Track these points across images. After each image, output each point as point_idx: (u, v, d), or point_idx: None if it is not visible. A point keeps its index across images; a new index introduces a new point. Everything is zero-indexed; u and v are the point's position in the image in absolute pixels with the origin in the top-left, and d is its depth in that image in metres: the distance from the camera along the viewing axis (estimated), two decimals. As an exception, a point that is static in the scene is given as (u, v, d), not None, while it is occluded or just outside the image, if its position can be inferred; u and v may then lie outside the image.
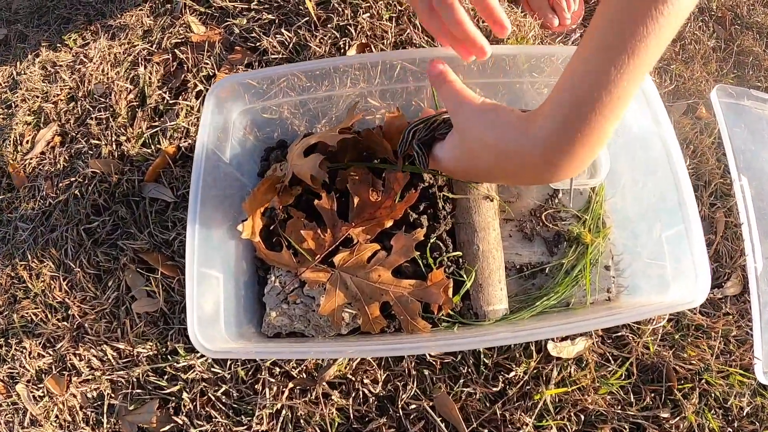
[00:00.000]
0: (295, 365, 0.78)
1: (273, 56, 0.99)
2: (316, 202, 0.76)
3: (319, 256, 0.74)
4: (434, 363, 0.77)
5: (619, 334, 0.87)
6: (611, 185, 0.89)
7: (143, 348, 0.87)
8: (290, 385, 0.77)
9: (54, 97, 1.09)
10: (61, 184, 1.00)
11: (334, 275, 0.71)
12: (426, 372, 0.77)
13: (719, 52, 1.20)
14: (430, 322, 0.74)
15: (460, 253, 0.77)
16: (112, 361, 0.89)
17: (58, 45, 1.15)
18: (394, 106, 0.93)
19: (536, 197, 0.87)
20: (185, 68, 1.03)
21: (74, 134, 1.04)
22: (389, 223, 0.75)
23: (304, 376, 0.78)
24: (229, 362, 0.81)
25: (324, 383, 0.76)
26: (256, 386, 0.78)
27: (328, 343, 0.72)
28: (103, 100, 1.05)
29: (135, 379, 0.86)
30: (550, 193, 0.87)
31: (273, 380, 0.78)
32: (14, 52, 1.18)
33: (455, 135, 0.59)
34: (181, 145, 0.95)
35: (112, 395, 0.88)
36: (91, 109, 1.05)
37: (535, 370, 0.80)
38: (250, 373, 0.80)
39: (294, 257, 0.75)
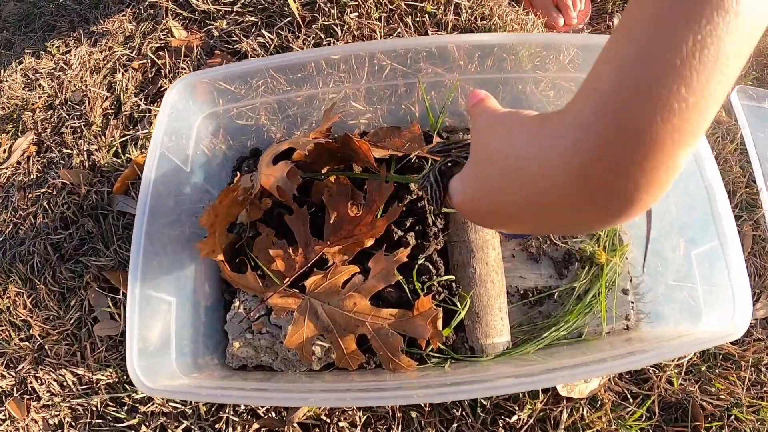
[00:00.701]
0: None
1: (255, 65, 0.85)
2: (286, 217, 0.61)
3: (288, 279, 0.58)
4: (423, 404, 0.61)
5: (639, 368, 0.69)
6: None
7: (103, 375, 0.72)
8: (255, 425, 0.61)
9: (32, 105, 0.96)
10: (31, 195, 0.87)
11: (304, 302, 0.56)
12: (413, 414, 0.61)
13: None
14: (416, 357, 0.58)
15: (453, 277, 0.60)
16: (72, 387, 0.74)
17: (41, 52, 1.02)
18: (381, 110, 0.78)
19: (541, 210, 0.70)
20: (162, 74, 0.90)
21: (49, 143, 0.91)
22: (370, 242, 0.59)
23: (273, 415, 0.62)
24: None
25: (294, 425, 0.60)
26: (218, 425, 0.63)
27: (292, 383, 0.56)
28: (79, 107, 0.92)
29: (94, 408, 0.72)
30: (558, 205, 0.71)
31: (237, 419, 0.62)
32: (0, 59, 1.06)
33: (471, 155, 0.38)
34: (161, 178, 0.81)
35: (72, 424, 0.74)
36: (66, 117, 0.92)
37: (542, 413, 0.63)
38: (214, 408, 0.64)
39: (261, 280, 0.60)
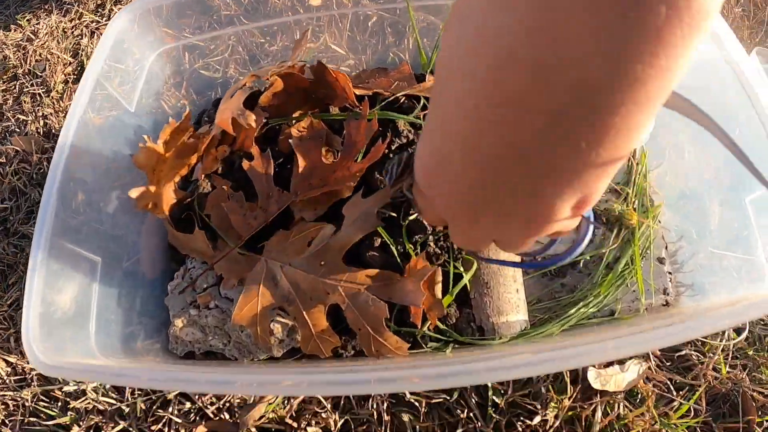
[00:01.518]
0: (213, 399, 0.45)
1: (225, 13, 0.70)
2: (244, 162, 0.44)
3: (243, 238, 0.41)
4: (417, 404, 0.43)
5: (682, 353, 0.52)
6: (656, 152, 0.55)
7: (36, 366, 0.55)
8: (202, 429, 0.43)
9: (-5, 76, 0.80)
10: (-19, 168, 0.70)
11: (259, 265, 0.39)
12: (405, 417, 0.43)
13: (748, 20, 0.88)
14: (409, 340, 0.41)
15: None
16: (4, 377, 0.57)
17: (12, 26, 0.87)
18: (366, 57, 0.62)
19: (557, 165, 0.53)
20: (127, 41, 0.74)
21: (8, 114, 0.75)
22: (348, 192, 0.42)
23: (225, 416, 0.44)
24: (127, 391, 0.48)
25: (250, 428, 0.42)
26: (156, 427, 0.45)
27: (252, 369, 0.38)
28: (40, 75, 0.76)
29: (27, 404, 0.55)
30: (576, 159, 0.54)
31: (180, 420, 0.44)
32: (-30, 37, 0.91)
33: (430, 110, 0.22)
34: (105, 118, 0.65)
35: (5, 422, 0.56)
36: (27, 85, 0.76)
37: (571, 412, 0.45)
38: (155, 406, 0.46)
39: (213, 243, 0.43)
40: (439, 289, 0.38)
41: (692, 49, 0.16)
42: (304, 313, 0.36)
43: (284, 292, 0.37)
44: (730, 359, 0.53)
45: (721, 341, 0.53)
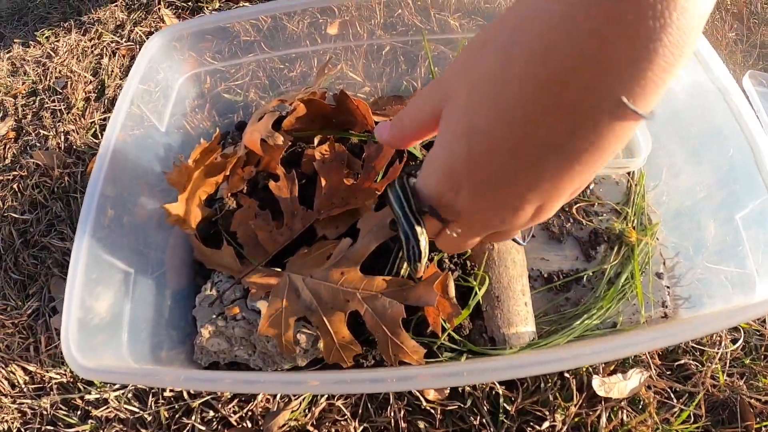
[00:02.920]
0: (236, 408, 0.47)
1: (245, 39, 0.73)
2: (271, 183, 0.47)
3: (269, 255, 0.44)
4: (433, 411, 0.45)
5: (681, 362, 0.54)
6: (653, 174, 0.59)
7: (56, 373, 0.57)
8: (228, 438, 0.45)
9: (15, 90, 0.83)
10: (2, 179, 0.72)
11: (282, 279, 0.41)
12: (421, 424, 0.45)
13: (741, 44, 0.93)
14: (426, 350, 0.43)
15: (467, 251, 0.46)
16: (23, 386, 0.58)
17: (31, 42, 0.90)
18: (381, 84, 0.65)
19: (561, 184, 0.57)
20: (155, 67, 0.77)
21: (28, 128, 0.77)
22: (368, 211, 0.45)
23: (248, 424, 0.46)
24: (150, 399, 0.50)
25: (275, 437, 0.44)
26: (183, 438, 0.47)
27: (276, 376, 0.41)
28: (61, 92, 0.79)
29: (45, 412, 0.56)
30: (579, 179, 0.57)
31: (204, 428, 0.46)
32: (-12, 52, 0.94)
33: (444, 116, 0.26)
34: (135, 138, 0.68)
35: (21, 430, 0.57)
36: (48, 101, 0.78)
37: (577, 418, 0.47)
38: (177, 415, 0.48)
39: (239, 259, 0.46)
40: (452, 289, 0.40)
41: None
42: (326, 321, 0.39)
43: (306, 303, 0.39)
44: (727, 368, 0.56)
45: (718, 350, 0.56)
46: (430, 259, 0.45)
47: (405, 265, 0.40)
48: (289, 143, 0.49)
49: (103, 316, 0.40)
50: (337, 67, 0.61)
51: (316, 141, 0.50)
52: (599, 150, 0.22)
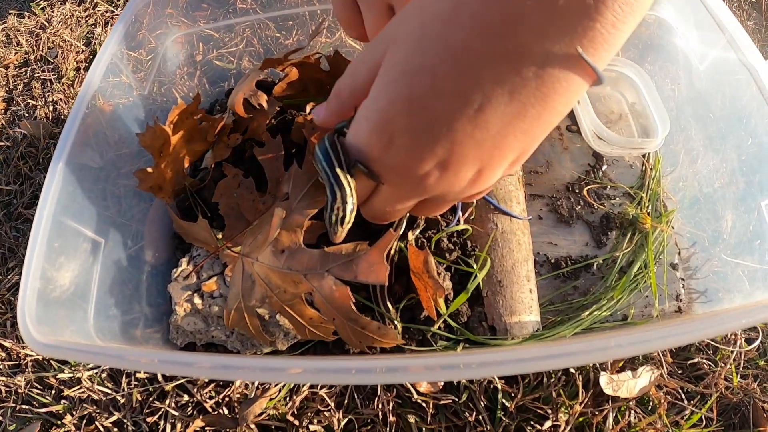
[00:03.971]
0: (212, 393, 0.42)
1: (241, 6, 0.68)
2: (255, 149, 0.42)
3: (249, 224, 0.39)
4: (425, 404, 0.40)
5: (694, 360, 0.49)
6: (669, 158, 0.54)
7: (31, 350, 0.52)
8: (199, 423, 0.41)
9: (7, 61, 0.78)
10: (-12, 151, 0.68)
11: (238, 263, 0.36)
12: (411, 419, 0.40)
13: (759, 33, 0.87)
14: (418, 337, 0.38)
15: (467, 227, 0.41)
16: (-1, 362, 0.54)
17: (26, 13, 0.86)
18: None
19: (573, 167, 0.51)
20: (142, 28, 0.73)
21: (18, 99, 0.73)
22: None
23: (224, 410, 0.41)
24: (123, 381, 0.45)
25: (250, 424, 0.40)
26: (152, 419, 0.42)
27: (255, 361, 0.36)
28: (53, 61, 0.74)
29: (20, 391, 0.52)
30: (591, 163, 0.52)
31: (177, 413, 0.42)
32: (-17, 23, 0.90)
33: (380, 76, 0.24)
34: (116, 103, 0.63)
35: (-4, 408, 0.53)
36: (39, 72, 0.74)
37: (581, 418, 0.42)
38: (151, 398, 0.44)
39: (219, 233, 0.41)
40: (434, 269, 0.35)
41: None
42: (286, 307, 0.33)
43: (262, 290, 0.34)
44: (741, 369, 0.51)
45: (732, 350, 0.51)
46: (436, 246, 0.40)
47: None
48: (278, 109, 0.44)
49: (66, 288, 0.36)
50: (335, 35, 0.56)
51: (308, 108, 0.46)
52: (546, 107, 0.21)
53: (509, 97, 0.20)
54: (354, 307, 0.31)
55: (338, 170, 0.27)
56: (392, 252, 0.36)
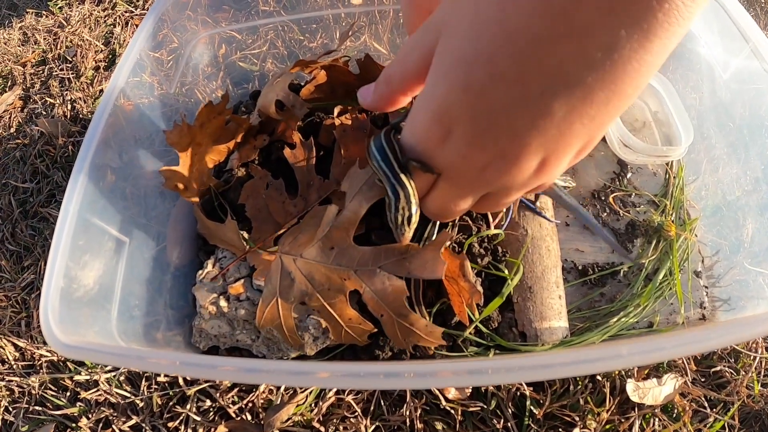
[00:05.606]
0: (235, 398, 0.40)
1: (264, 8, 0.67)
2: (286, 150, 0.40)
3: (280, 227, 0.38)
4: (452, 411, 0.39)
5: (717, 368, 0.48)
6: (692, 167, 0.52)
7: (46, 350, 0.51)
8: (222, 429, 0.39)
9: (24, 59, 0.76)
10: (5, 147, 0.66)
11: (275, 261, 0.34)
12: (439, 426, 0.38)
13: None
14: (449, 343, 0.37)
15: (499, 231, 0.40)
16: (12, 362, 0.52)
17: (44, 11, 0.84)
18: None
19: (597, 174, 0.50)
20: (165, 27, 0.71)
21: (35, 97, 0.71)
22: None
23: (247, 416, 0.39)
24: (143, 384, 0.43)
25: (274, 430, 0.38)
26: (172, 424, 0.40)
27: (282, 365, 0.34)
28: (71, 60, 0.72)
29: (34, 392, 0.50)
30: (616, 171, 0.51)
31: (199, 418, 0.40)
32: (0, 21, 0.88)
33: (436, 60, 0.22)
34: (140, 102, 0.61)
35: (9, 408, 0.51)
36: (57, 70, 0.72)
37: (609, 425, 0.41)
38: (171, 402, 0.42)
39: (247, 235, 0.39)
40: (470, 273, 0.33)
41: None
42: (327, 305, 0.32)
43: (302, 287, 0.33)
44: (762, 377, 0.50)
45: (754, 358, 0.50)
46: (469, 250, 0.38)
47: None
48: (307, 110, 0.42)
49: (90, 287, 0.34)
50: (360, 39, 0.54)
51: (336, 112, 0.44)
52: (614, 92, 0.18)
53: (575, 80, 0.18)
54: (406, 303, 0.30)
55: (397, 169, 0.25)
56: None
